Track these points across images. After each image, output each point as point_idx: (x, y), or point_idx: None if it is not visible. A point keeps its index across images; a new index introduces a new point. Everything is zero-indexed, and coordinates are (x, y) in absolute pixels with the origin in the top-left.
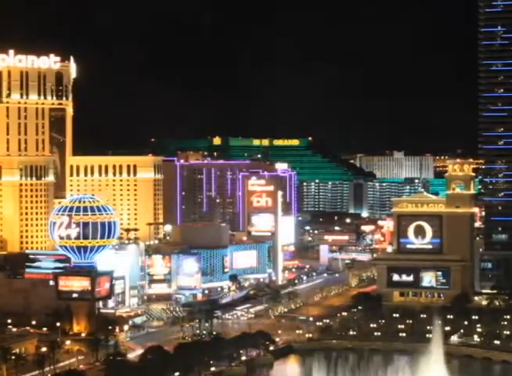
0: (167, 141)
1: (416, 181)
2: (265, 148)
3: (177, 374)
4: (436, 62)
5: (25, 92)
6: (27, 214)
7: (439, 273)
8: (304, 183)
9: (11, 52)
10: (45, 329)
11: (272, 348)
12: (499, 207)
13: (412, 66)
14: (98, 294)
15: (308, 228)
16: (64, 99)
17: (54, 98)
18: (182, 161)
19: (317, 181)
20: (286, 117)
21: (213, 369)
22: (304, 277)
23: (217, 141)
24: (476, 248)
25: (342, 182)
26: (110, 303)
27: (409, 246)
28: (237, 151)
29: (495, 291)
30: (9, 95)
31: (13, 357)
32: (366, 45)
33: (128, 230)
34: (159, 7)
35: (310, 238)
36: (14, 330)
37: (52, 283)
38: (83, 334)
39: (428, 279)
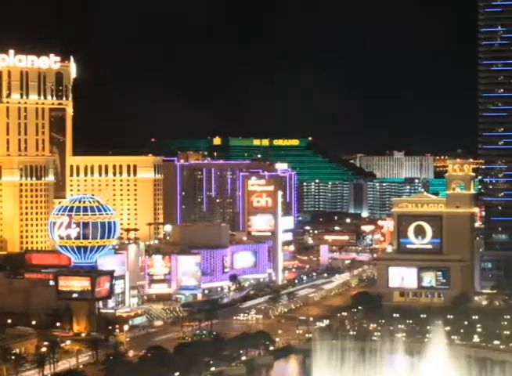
0: (167, 141)
1: (416, 181)
2: (265, 148)
3: (177, 374)
4: (436, 62)
5: (25, 92)
6: (27, 214)
7: (439, 273)
8: (304, 183)
9: (11, 52)
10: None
11: (272, 348)
12: (499, 207)
13: (412, 67)
14: (98, 294)
15: (308, 228)
16: (64, 99)
17: (54, 98)
18: (182, 161)
19: (317, 181)
20: (286, 117)
21: (213, 369)
22: (304, 277)
23: (217, 141)
24: (476, 248)
25: (342, 182)
26: (110, 303)
27: (409, 246)
28: (237, 151)
29: (495, 291)
30: (9, 95)
31: (13, 357)
32: (366, 45)
33: (128, 230)
34: (159, 7)
35: (310, 238)
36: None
37: (52, 283)
38: (83, 334)
39: (428, 279)
